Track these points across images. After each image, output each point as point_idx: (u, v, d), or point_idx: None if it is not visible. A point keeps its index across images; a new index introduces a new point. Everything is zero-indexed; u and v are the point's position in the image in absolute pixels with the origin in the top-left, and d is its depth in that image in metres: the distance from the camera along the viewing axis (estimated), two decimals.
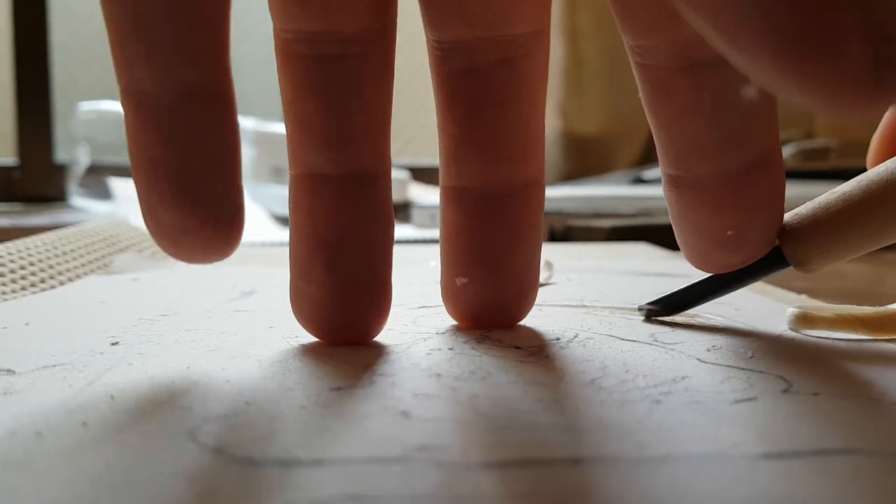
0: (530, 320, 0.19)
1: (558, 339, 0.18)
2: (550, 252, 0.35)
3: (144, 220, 0.15)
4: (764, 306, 0.22)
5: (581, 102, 1.06)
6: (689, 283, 0.19)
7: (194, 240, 0.15)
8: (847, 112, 0.09)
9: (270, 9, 0.15)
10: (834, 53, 0.08)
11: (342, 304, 0.16)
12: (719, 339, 0.17)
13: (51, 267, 0.30)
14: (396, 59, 0.16)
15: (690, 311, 0.20)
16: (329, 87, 0.16)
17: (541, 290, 0.21)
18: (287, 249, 0.17)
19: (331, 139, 0.16)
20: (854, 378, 0.14)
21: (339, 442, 0.11)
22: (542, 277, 0.25)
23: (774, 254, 0.17)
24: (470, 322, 0.19)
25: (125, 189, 0.75)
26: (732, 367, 0.15)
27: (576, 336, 0.18)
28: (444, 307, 0.19)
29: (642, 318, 0.20)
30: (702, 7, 0.09)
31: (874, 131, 0.17)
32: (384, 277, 0.17)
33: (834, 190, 0.16)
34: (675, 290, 0.19)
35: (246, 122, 0.80)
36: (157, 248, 0.39)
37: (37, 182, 0.91)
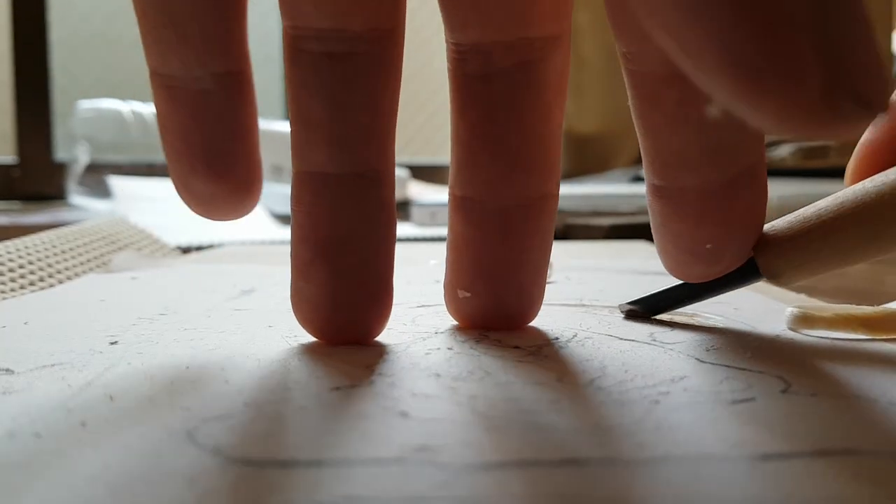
0: None
1: (557, 338, 0.18)
2: None
3: (176, 187, 0.17)
4: (763, 306, 0.22)
5: (580, 101, 1.06)
6: (667, 287, 0.19)
7: (221, 204, 0.17)
8: (804, 135, 0.09)
9: (280, 6, 0.15)
10: (790, 79, 0.09)
11: (342, 305, 0.16)
12: (718, 339, 0.17)
13: (50, 265, 0.30)
14: None
15: (689, 311, 0.20)
16: (336, 84, 0.16)
17: None
18: (287, 248, 0.17)
19: (335, 137, 0.16)
20: (853, 378, 0.14)
21: (337, 443, 0.11)
22: None
23: (749, 266, 0.17)
24: (470, 326, 0.19)
25: (124, 187, 0.75)
26: (731, 367, 0.15)
27: (575, 336, 0.18)
28: (443, 306, 0.19)
29: (623, 316, 0.20)
30: (667, 26, 0.09)
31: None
32: (385, 278, 0.17)
33: (812, 205, 0.16)
34: (655, 291, 0.20)
35: None
36: (156, 247, 0.39)
37: (36, 180, 0.91)
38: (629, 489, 0.09)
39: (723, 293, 0.18)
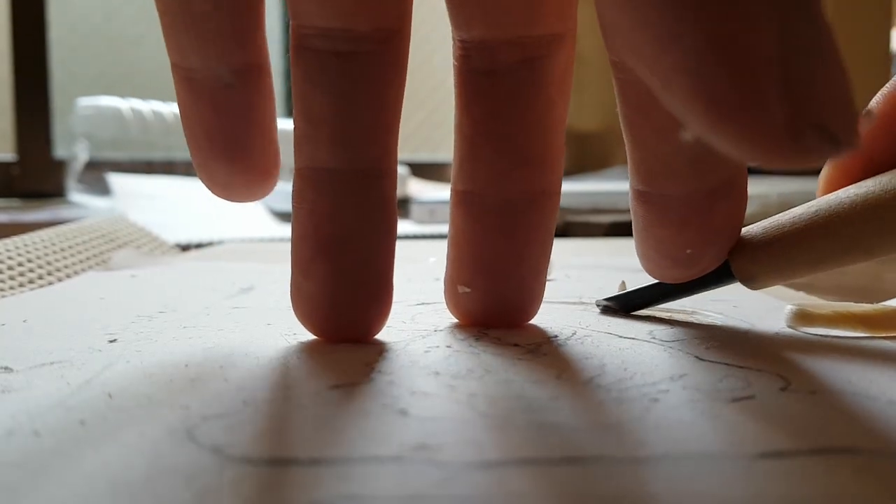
0: None
1: (556, 336, 0.18)
2: None
3: (198, 173, 0.17)
4: (762, 303, 0.22)
5: (580, 98, 1.06)
6: (643, 286, 0.20)
7: (241, 189, 0.17)
8: (769, 164, 0.10)
9: (288, 5, 0.15)
10: (756, 112, 0.09)
11: (342, 302, 0.16)
12: (717, 337, 0.17)
13: (49, 263, 0.30)
14: None
15: (689, 309, 0.21)
16: (341, 82, 0.16)
17: None
18: (285, 246, 0.17)
19: (339, 134, 0.16)
20: (852, 376, 0.14)
21: (336, 441, 0.11)
22: None
23: (724, 269, 0.17)
24: (470, 323, 0.19)
25: (124, 185, 0.75)
26: (731, 365, 0.15)
27: (574, 333, 0.18)
28: (443, 304, 0.19)
29: (599, 312, 0.21)
30: (641, 56, 0.10)
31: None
32: (386, 277, 0.17)
33: (787, 212, 0.17)
34: (631, 289, 0.20)
35: None
36: (155, 245, 0.39)
37: (35, 178, 0.91)
38: (629, 487, 0.09)
39: (696, 294, 0.19)
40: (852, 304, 0.18)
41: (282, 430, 0.11)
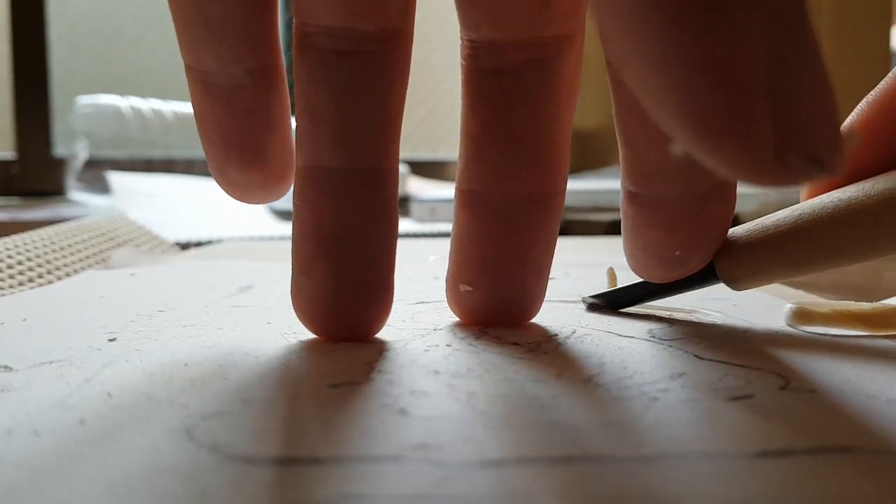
0: None
1: (556, 335, 0.18)
2: None
3: (214, 176, 0.17)
4: (761, 302, 0.22)
5: (581, 97, 1.06)
6: (629, 284, 0.20)
7: (256, 190, 0.17)
8: (755, 184, 0.10)
9: (292, 3, 0.16)
10: (744, 135, 0.09)
11: (343, 302, 0.16)
12: (717, 336, 0.17)
13: (48, 262, 0.30)
14: None
15: (688, 307, 0.21)
16: (344, 80, 0.16)
17: None
18: (285, 244, 0.17)
19: (339, 133, 0.16)
20: (851, 375, 0.14)
21: (336, 440, 0.11)
22: None
23: (709, 270, 0.18)
24: (471, 322, 0.19)
25: (123, 183, 0.75)
26: (730, 363, 0.15)
27: (574, 332, 0.18)
28: (442, 302, 0.19)
29: (585, 308, 0.21)
30: (634, 72, 0.10)
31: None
32: (386, 276, 0.17)
33: (772, 215, 0.17)
34: (618, 287, 0.21)
35: None
36: (155, 243, 0.39)
37: (35, 176, 0.91)
38: (628, 486, 0.09)
39: (681, 293, 0.19)
40: (851, 302, 0.18)
41: (281, 429, 0.11)
